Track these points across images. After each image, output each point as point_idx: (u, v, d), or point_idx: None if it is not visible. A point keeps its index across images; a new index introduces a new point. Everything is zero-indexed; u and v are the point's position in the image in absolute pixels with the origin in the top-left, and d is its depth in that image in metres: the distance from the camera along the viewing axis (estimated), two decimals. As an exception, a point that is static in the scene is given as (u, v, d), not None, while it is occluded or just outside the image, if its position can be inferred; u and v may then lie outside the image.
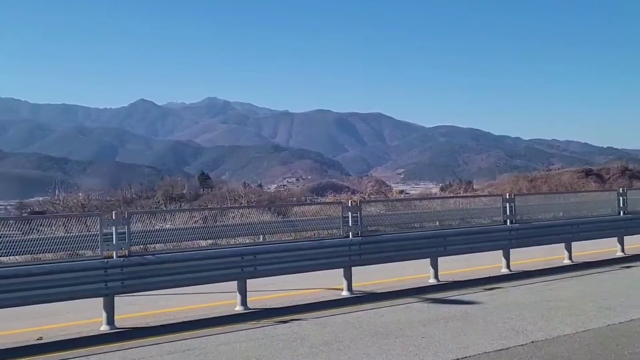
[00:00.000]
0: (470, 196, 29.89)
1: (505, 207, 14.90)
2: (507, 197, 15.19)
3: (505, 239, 14.70)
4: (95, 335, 9.31)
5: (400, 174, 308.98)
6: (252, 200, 48.59)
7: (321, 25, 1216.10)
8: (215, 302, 11.44)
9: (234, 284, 11.08)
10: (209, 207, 35.00)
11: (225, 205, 37.08)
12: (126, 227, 10.20)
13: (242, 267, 11.01)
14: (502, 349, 7.69)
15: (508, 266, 14.64)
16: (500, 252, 14.74)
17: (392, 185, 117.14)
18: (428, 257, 13.58)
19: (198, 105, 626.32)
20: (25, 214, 43.62)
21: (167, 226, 16.22)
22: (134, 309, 11.08)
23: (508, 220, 14.86)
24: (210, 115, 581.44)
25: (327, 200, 35.55)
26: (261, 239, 13.62)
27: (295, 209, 17.28)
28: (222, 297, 11.61)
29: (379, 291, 12.40)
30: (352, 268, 12.38)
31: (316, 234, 13.73)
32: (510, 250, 14.71)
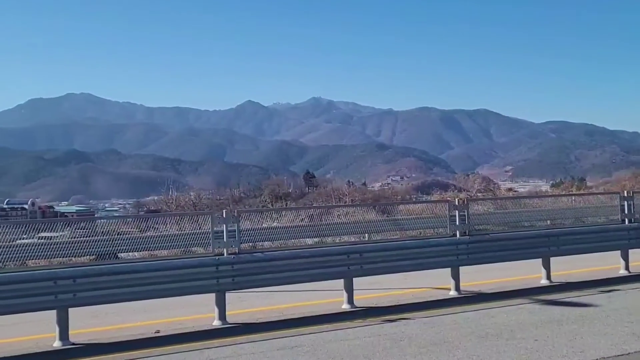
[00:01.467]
0: (584, 194, 28.55)
1: (623, 205, 14.11)
2: (625, 194, 14.39)
3: (623, 238, 13.94)
4: (208, 330, 9.63)
5: (508, 171, 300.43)
6: (357, 198, 48.66)
7: (426, 24, 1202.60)
8: (322, 300, 11.54)
9: (339, 282, 11.14)
10: (314, 205, 35.37)
11: (330, 204, 37.34)
12: (236, 225, 10.47)
13: (348, 265, 11.04)
14: (622, 355, 7.30)
15: (627, 267, 13.88)
16: (617, 252, 14.00)
17: (500, 183, 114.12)
18: (540, 257, 13.11)
19: (303, 106, 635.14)
20: (142, 213, 45.85)
21: (275, 224, 16.57)
22: (244, 305, 11.36)
23: (626, 220, 14.08)
24: (315, 115, 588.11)
25: (432, 199, 35.05)
26: (366, 237, 13.61)
27: (400, 207, 17.17)
28: (328, 295, 11.70)
29: (488, 291, 12.10)
30: (460, 268, 12.14)
31: (422, 233, 13.57)
32: (629, 250, 13.93)
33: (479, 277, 13.04)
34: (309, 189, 75.68)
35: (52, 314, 8.98)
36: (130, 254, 19.00)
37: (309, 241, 13.29)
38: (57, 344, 8.76)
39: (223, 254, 10.22)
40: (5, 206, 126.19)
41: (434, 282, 12.66)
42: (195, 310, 10.85)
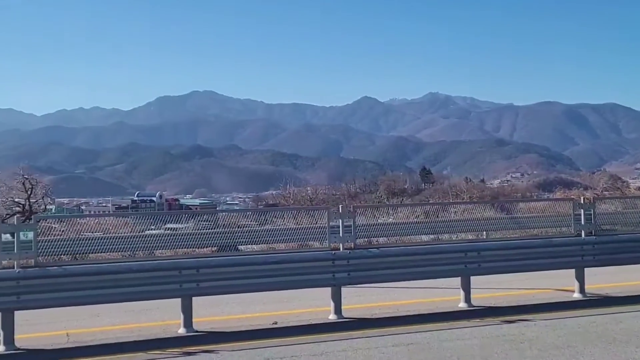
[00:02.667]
0: None
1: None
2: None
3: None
4: (324, 324, 9.73)
5: (639, 168, 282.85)
6: (475, 195, 47.63)
7: (549, 17, 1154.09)
8: (438, 298, 11.38)
9: (455, 280, 10.94)
10: (430, 202, 34.92)
11: (446, 201, 36.75)
12: (352, 220, 10.52)
13: (465, 263, 10.81)
14: None
15: None
16: None
17: (630, 180, 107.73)
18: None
19: (420, 101, 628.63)
20: (261, 206, 47.15)
21: (390, 220, 16.53)
22: (359, 300, 11.40)
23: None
24: (432, 110, 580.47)
25: (555, 197, 33.65)
26: (484, 235, 13.27)
27: (521, 205, 16.57)
28: (444, 293, 11.53)
29: (616, 295, 11.45)
30: (585, 269, 11.56)
31: (544, 232, 13.05)
32: None
33: (605, 279, 12.36)
34: (425, 185, 74.97)
35: (177, 302, 9.40)
36: (250, 246, 19.60)
37: (425, 238, 13.14)
38: (181, 331, 9.17)
39: (339, 249, 10.30)
40: (136, 198, 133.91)
41: (556, 283, 12.15)
42: (311, 304, 11.00)
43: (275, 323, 9.74)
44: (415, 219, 16.13)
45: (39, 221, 9.74)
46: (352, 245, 10.39)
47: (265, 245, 19.19)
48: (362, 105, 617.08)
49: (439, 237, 12.99)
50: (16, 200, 28.59)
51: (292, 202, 42.05)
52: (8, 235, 9.44)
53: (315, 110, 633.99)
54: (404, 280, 10.97)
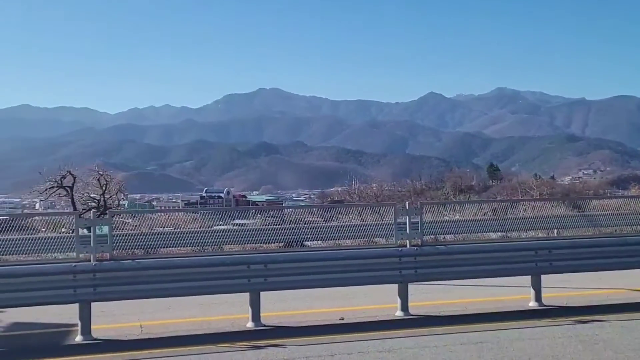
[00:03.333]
0: None
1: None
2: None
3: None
4: (390, 320, 9.71)
5: None
6: (545, 192, 46.44)
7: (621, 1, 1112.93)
8: (507, 297, 11.18)
9: (525, 279, 10.71)
10: (498, 199, 34.27)
11: (515, 198, 36.00)
12: (419, 217, 10.44)
13: (535, 261, 10.56)
14: None
15: None
16: None
17: None
18: None
19: (487, 96, 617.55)
20: (326, 203, 47.33)
21: (457, 217, 16.30)
22: (426, 297, 11.31)
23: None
24: (500, 105, 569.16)
25: (631, 194, 32.48)
26: (555, 233, 12.94)
27: (594, 202, 16.06)
28: (514, 292, 11.31)
29: (697, 297, 10.98)
30: (663, 269, 11.12)
31: (618, 231, 12.63)
32: None
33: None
34: (493, 181, 73.56)
35: (245, 297, 9.55)
36: (316, 242, 19.69)
37: (493, 235, 12.92)
38: (250, 325, 9.31)
39: (406, 246, 10.24)
40: (204, 194, 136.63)
41: (632, 283, 11.75)
42: (377, 300, 10.99)
43: (342, 319, 9.77)
44: (483, 216, 15.87)
45: (113, 216, 10.07)
46: (419, 242, 10.31)
47: (331, 241, 19.26)
48: (428, 101, 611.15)
49: (508, 235, 12.74)
50: (92, 195, 29.64)
51: (357, 198, 42.02)
52: (85, 230, 9.80)
53: (381, 107, 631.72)
54: (472, 278, 10.83)
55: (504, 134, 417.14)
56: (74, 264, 8.75)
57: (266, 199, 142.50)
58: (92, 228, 8.99)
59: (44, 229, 19.73)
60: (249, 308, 9.42)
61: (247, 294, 9.52)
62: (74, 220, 9.57)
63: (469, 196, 51.35)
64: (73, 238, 9.19)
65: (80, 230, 9.33)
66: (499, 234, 12.88)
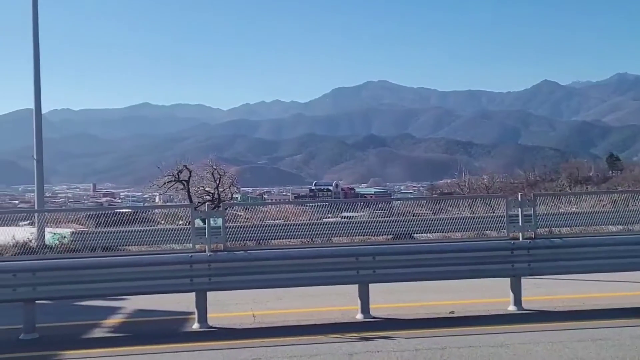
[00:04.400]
0: None
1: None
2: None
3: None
4: (502, 315, 9.46)
5: None
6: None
7: None
8: (630, 292, 10.63)
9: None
10: (619, 190, 32.54)
11: (638, 189, 34.05)
12: (532, 209, 10.10)
13: (662, 256, 9.94)
14: None
15: None
16: None
17: None
18: None
19: (606, 83, 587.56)
20: (435, 195, 46.73)
21: (573, 209, 15.65)
22: (540, 292, 10.94)
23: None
24: (620, 92, 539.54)
25: None
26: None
27: None
28: (634, 287, 10.72)
29: None
30: None
31: None
32: None
33: None
34: (612, 172, 69.92)
35: (354, 288, 9.61)
36: (425, 235, 19.51)
37: (613, 228, 12.32)
38: (359, 317, 9.36)
39: (518, 239, 9.94)
40: (313, 187, 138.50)
41: None
42: (489, 294, 10.75)
43: (452, 312, 9.63)
44: (602, 208, 15.16)
45: (226, 209, 10.41)
46: (533, 235, 9.98)
47: (440, 234, 19.04)
48: (541, 90, 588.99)
49: (630, 228, 12.11)
50: (206, 189, 30.76)
51: (467, 190, 41.18)
52: (200, 222, 10.21)
53: (492, 97, 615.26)
54: (590, 272, 10.35)
55: (625, 122, 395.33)
56: (190, 255, 9.12)
57: (374, 192, 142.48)
58: (207, 220, 9.33)
59: (162, 221, 20.77)
60: (358, 300, 9.48)
61: (356, 285, 9.57)
62: (189, 212, 10.00)
63: (587, 188, 49.10)
64: (189, 230, 9.60)
65: (196, 222, 9.73)
66: (620, 226, 12.27)
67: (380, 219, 21.22)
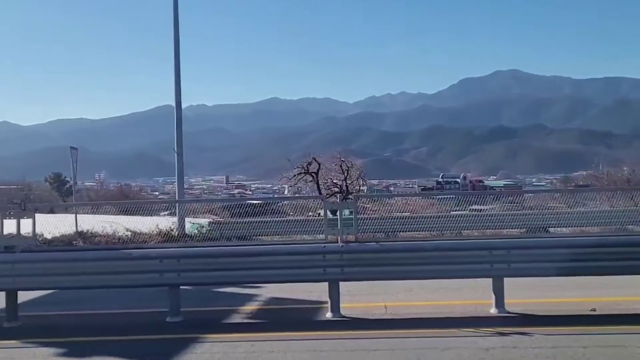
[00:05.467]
0: None
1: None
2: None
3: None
4: (647, 314, 8.93)
5: None
6: None
7: None
8: None
9: None
10: None
11: None
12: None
13: None
14: None
15: None
16: None
17: None
18: None
19: None
20: (570, 188, 44.59)
21: None
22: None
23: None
24: None
25: None
26: None
27: None
28: None
29: None
30: None
31: None
32: None
33: None
34: None
35: (486, 282, 9.41)
36: (559, 229, 18.72)
37: None
38: (493, 311, 9.16)
39: (667, 234, 9.31)
40: (440, 180, 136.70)
41: None
42: (634, 292, 10.14)
43: (594, 310, 9.17)
44: None
45: (357, 200, 10.52)
46: (684, 230, 9.30)
47: (577, 228, 18.19)
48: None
49: None
50: (334, 181, 31.16)
51: (606, 183, 38.95)
52: (329, 213, 10.40)
53: (634, 84, 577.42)
54: None
55: None
56: (323, 245, 9.31)
57: (504, 184, 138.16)
58: (339, 212, 9.48)
59: (291, 212, 21.35)
60: (492, 294, 9.26)
61: (490, 279, 9.36)
62: (318, 204, 10.21)
63: None
64: (318, 221, 9.82)
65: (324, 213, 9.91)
66: None
67: (510, 212, 20.63)
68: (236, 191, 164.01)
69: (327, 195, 27.14)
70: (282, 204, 24.61)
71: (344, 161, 31.79)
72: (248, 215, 19.63)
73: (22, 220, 9.58)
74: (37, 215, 13.21)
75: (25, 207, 9.94)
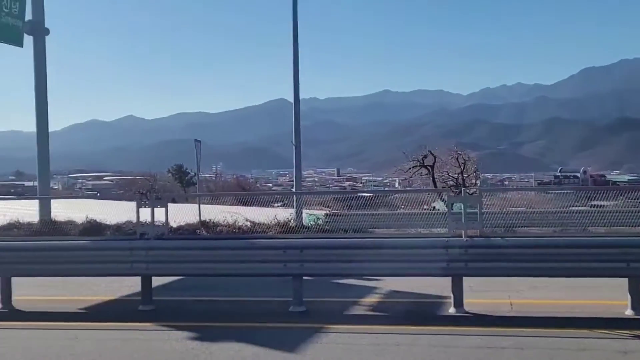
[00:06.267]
0: None
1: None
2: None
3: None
4: None
5: None
6: None
7: None
8: None
9: None
10: None
11: None
12: None
13: None
14: None
15: None
16: None
17: None
18: None
19: None
20: None
21: None
22: None
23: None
24: None
25: None
26: None
27: None
28: None
29: None
30: None
31: None
32: None
33: None
34: None
35: (619, 282, 8.95)
36: None
37: None
38: (628, 313, 8.68)
39: None
40: (559, 174, 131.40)
41: None
42: None
43: None
44: None
45: (483, 194, 10.24)
46: None
47: None
48: None
49: None
50: (450, 174, 30.64)
51: None
52: (441, 205, 10.21)
53: None
54: None
55: None
56: (446, 239, 9.16)
57: (628, 179, 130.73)
58: (463, 206, 9.29)
59: (402, 206, 21.19)
60: (627, 295, 8.78)
61: (619, 279, 8.89)
62: (432, 197, 10.06)
63: None
64: (431, 214, 9.68)
65: (438, 206, 9.75)
66: None
67: (637, 208, 19.46)
68: (347, 183, 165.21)
69: (443, 189, 26.86)
70: (393, 197, 24.53)
71: (460, 154, 31.19)
72: (359, 208, 19.71)
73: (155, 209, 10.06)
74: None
75: (160, 196, 10.41)
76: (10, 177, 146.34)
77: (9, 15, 19.42)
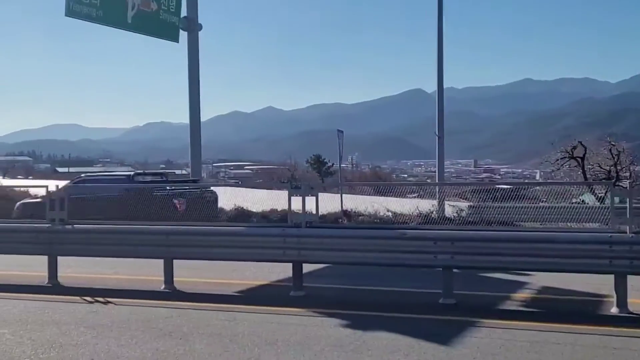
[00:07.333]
0: None
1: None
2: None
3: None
4: None
5: None
6: None
7: None
8: None
9: None
10: None
11: None
12: None
13: None
14: None
15: None
16: None
17: None
18: None
19: None
20: None
21: None
22: None
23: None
24: None
25: None
26: None
27: None
28: None
29: None
30: None
31: None
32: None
33: None
34: None
35: None
36: None
37: None
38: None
39: None
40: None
41: None
42: None
43: None
44: None
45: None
46: None
47: None
48: None
49: None
50: (601, 166, 28.84)
51: None
52: (588, 198, 9.65)
53: None
54: None
55: None
56: (610, 235, 8.67)
57: None
58: (629, 200, 8.75)
59: (544, 199, 20.25)
60: None
61: None
62: (579, 191, 9.57)
63: None
64: (580, 208, 9.22)
65: (588, 199, 9.24)
66: None
67: None
68: (484, 175, 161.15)
69: (593, 182, 25.44)
70: (534, 190, 23.56)
71: (614, 145, 29.26)
72: (498, 200, 19.11)
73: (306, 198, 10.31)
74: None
75: (312, 186, 10.67)
76: (161, 166, 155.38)
77: (167, 12, 20.60)
